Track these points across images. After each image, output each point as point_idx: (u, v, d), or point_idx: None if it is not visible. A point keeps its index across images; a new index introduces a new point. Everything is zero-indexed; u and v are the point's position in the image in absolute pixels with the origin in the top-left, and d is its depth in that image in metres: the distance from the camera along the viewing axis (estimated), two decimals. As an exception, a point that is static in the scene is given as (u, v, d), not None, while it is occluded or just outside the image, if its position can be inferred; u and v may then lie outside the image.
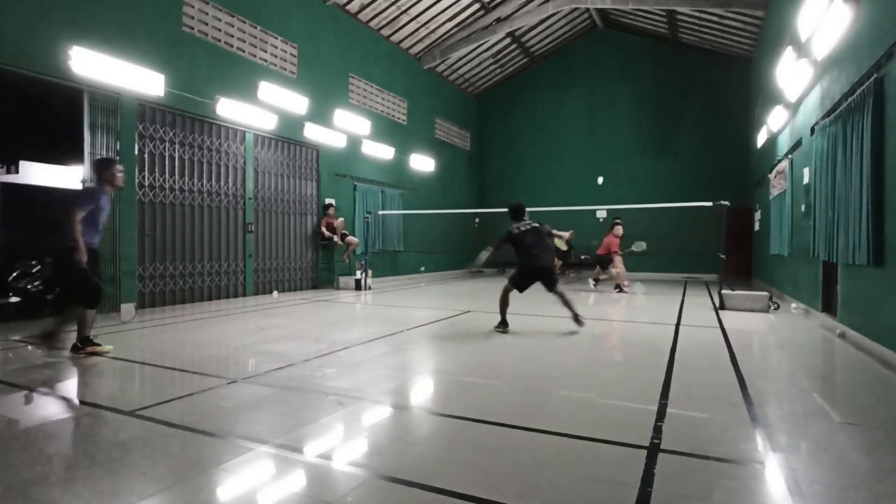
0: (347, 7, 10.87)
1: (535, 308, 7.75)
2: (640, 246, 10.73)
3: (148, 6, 7.13)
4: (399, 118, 13.25)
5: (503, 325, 5.53)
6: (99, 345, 4.30)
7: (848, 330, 5.07)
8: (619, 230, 10.37)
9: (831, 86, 5.69)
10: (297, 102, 9.49)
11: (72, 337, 4.34)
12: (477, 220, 16.04)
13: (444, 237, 14.46)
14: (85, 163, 6.50)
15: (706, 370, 3.89)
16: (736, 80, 13.47)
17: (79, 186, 6.67)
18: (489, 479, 2.07)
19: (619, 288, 10.16)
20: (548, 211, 12.44)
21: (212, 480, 2.07)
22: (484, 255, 5.69)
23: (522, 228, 5.57)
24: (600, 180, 15.00)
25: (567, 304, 5.54)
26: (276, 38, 9.33)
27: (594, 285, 10.65)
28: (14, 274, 6.35)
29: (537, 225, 5.65)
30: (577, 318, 5.47)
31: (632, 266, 14.20)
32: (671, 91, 14.49)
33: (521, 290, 5.61)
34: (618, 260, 10.23)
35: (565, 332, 5.41)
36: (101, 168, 4.29)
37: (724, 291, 7.47)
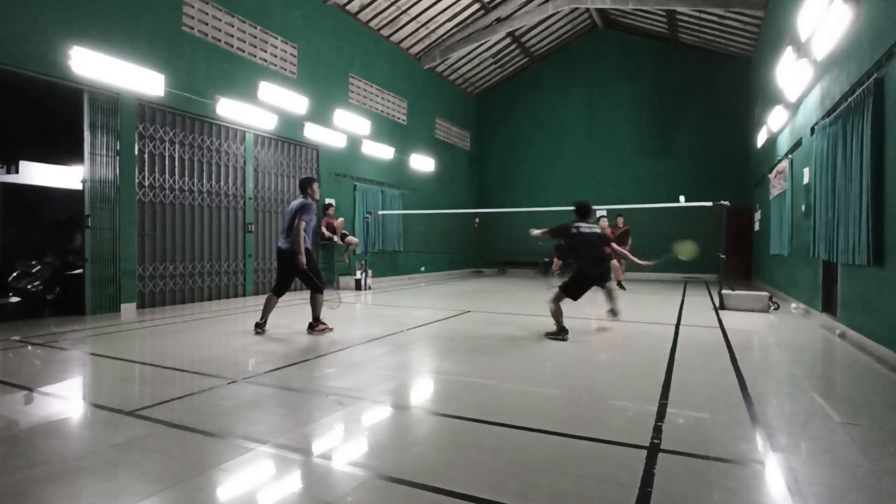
0: (347, 7, 10.87)
1: (533, 308, 7.75)
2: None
3: (148, 6, 7.13)
4: (399, 118, 13.25)
5: (562, 332, 5.07)
6: (325, 324, 5.34)
7: (848, 330, 5.07)
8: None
9: (831, 86, 5.69)
10: (297, 102, 9.49)
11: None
12: (477, 220, 16.04)
13: (444, 237, 14.46)
14: (85, 163, 6.50)
15: (706, 370, 3.89)
16: (736, 80, 13.46)
17: (79, 186, 6.66)
18: (489, 479, 2.07)
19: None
20: (548, 211, 12.44)
21: (212, 480, 2.07)
22: (538, 232, 5.53)
23: (584, 230, 5.25)
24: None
25: (610, 296, 5.64)
26: (276, 38, 9.33)
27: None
28: (14, 274, 6.36)
29: (599, 231, 5.44)
30: (613, 312, 5.66)
31: (633, 266, 14.21)
32: (671, 91, 14.48)
33: (575, 298, 5.27)
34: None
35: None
36: (307, 185, 5.25)
37: (724, 291, 7.47)
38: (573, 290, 5.23)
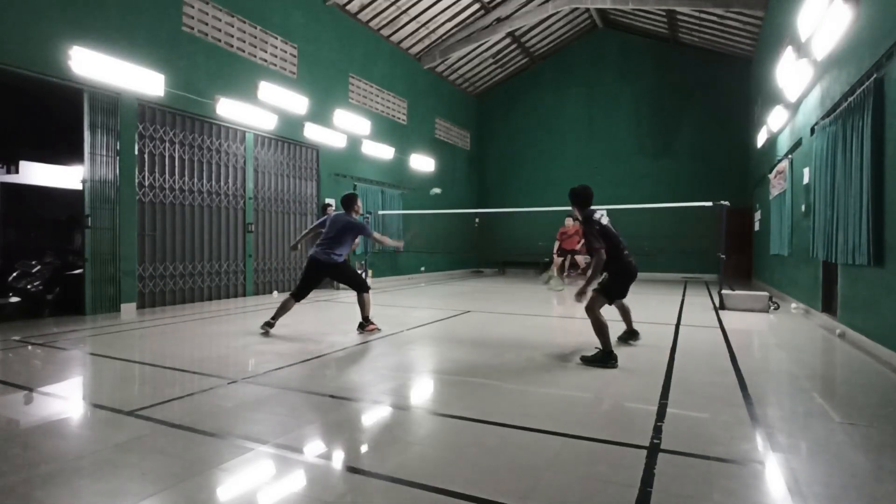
0: (347, 7, 10.87)
1: (533, 308, 7.77)
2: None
3: (148, 6, 7.13)
4: (399, 118, 13.25)
5: (611, 358, 3.94)
6: (374, 324, 5.48)
7: (848, 330, 5.07)
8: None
9: (831, 86, 5.69)
10: (297, 102, 9.49)
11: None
12: (477, 220, 16.04)
13: (444, 237, 14.45)
14: (85, 163, 6.50)
15: (706, 370, 3.89)
16: (736, 80, 13.46)
17: (79, 186, 6.66)
18: (489, 479, 2.07)
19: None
20: (548, 211, 12.45)
21: (212, 480, 2.07)
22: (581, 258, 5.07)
23: (602, 220, 4.27)
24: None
25: (627, 314, 4.78)
26: (276, 38, 9.33)
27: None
28: (14, 274, 6.36)
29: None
30: (633, 334, 4.81)
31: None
32: (671, 91, 14.48)
33: (611, 302, 4.35)
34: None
35: (565, 332, 5.40)
36: (355, 202, 5.51)
37: (724, 291, 7.47)
38: (615, 291, 4.31)
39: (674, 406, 2.98)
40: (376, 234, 5.61)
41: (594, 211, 4.28)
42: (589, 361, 3.98)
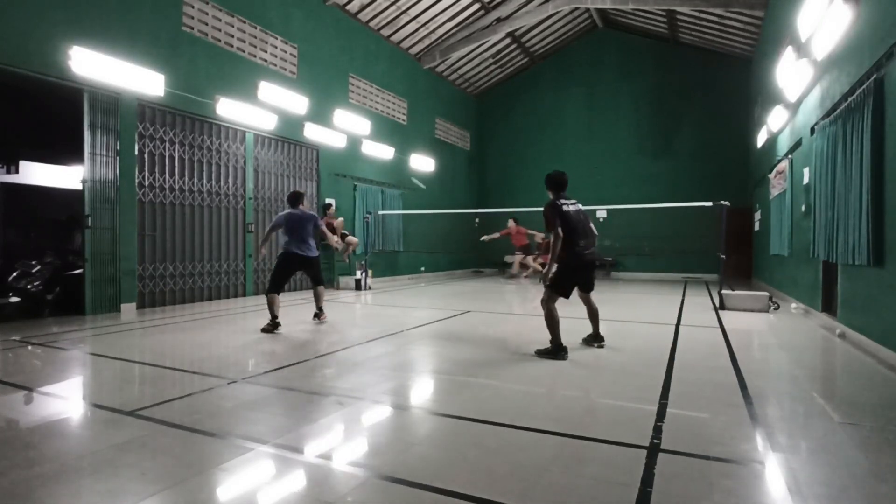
0: (347, 7, 10.87)
1: (532, 308, 7.76)
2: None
3: (148, 6, 7.13)
4: (399, 118, 13.25)
5: (561, 350, 4.15)
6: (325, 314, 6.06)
7: (848, 330, 5.07)
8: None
9: (831, 86, 5.69)
10: (297, 102, 9.49)
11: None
12: (477, 219, 16.04)
13: (444, 237, 14.46)
14: (85, 163, 6.50)
15: (706, 370, 3.89)
16: (736, 80, 13.46)
17: (79, 186, 6.67)
18: (489, 479, 2.07)
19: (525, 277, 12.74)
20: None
21: (212, 480, 2.07)
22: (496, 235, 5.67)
23: (570, 207, 4.28)
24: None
25: (594, 316, 4.65)
26: (276, 38, 9.33)
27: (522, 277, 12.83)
28: (14, 274, 6.36)
29: (581, 206, 4.42)
30: (597, 337, 4.66)
31: (633, 266, 14.23)
32: (671, 91, 14.48)
33: (567, 295, 4.31)
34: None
35: (564, 332, 5.39)
36: (301, 197, 5.88)
37: (724, 291, 7.47)
38: (566, 284, 4.31)
39: (674, 406, 2.98)
40: (324, 228, 6.02)
41: (565, 198, 4.39)
42: (542, 354, 4.25)
